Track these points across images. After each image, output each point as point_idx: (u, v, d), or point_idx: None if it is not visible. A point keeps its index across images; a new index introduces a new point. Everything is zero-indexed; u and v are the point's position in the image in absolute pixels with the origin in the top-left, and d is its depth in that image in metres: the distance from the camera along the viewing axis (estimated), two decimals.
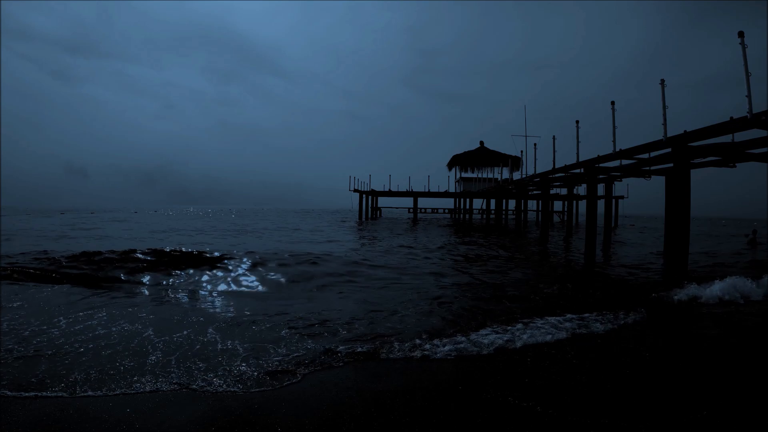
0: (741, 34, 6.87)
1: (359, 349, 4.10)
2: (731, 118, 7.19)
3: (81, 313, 5.31)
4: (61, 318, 5.07)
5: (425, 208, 47.32)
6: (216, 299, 6.53)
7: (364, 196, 36.65)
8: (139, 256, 9.44)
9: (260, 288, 7.57)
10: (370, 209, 39.50)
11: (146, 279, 7.96)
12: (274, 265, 9.17)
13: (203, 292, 7.02)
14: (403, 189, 35.97)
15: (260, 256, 10.08)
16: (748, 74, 6.68)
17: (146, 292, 6.96)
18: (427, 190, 36.05)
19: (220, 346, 4.15)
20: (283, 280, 8.10)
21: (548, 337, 4.53)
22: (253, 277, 8.19)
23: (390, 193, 36.42)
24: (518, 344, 4.33)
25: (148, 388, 3.21)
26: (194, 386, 3.25)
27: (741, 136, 8.54)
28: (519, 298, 6.67)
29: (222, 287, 7.49)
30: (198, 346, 4.15)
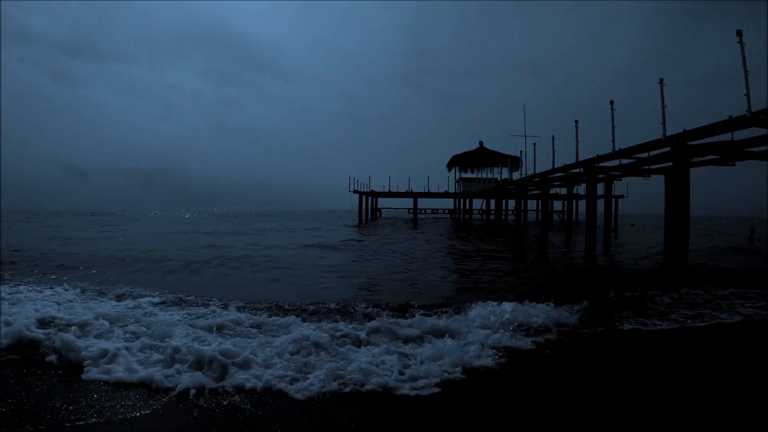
0: (739, 33, 6.88)
1: None
2: (730, 116, 7.19)
3: None
4: None
5: (425, 209, 47.37)
6: None
7: (363, 197, 36.63)
8: None
9: None
10: (370, 210, 39.49)
11: None
12: None
13: None
14: (402, 189, 35.95)
15: None
16: (746, 73, 6.68)
17: None
18: (426, 190, 36.02)
19: None
20: None
21: None
22: None
23: (390, 194, 36.39)
24: None
25: None
26: None
27: (740, 135, 8.55)
28: None
29: None
30: None
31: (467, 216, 37.52)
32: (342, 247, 15.00)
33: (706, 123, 7.87)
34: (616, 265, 11.13)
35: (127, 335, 4.16)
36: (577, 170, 13.96)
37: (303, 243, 16.18)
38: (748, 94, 6.68)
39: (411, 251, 13.36)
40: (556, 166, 14.51)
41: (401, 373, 3.40)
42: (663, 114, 8.70)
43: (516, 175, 26.53)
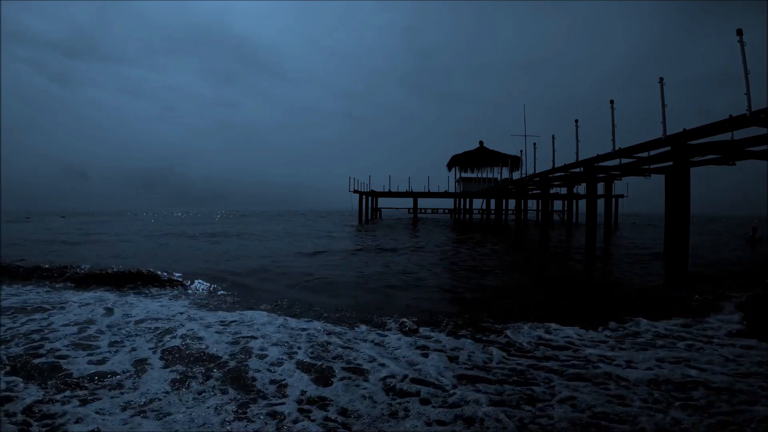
0: (739, 32, 6.86)
1: None
2: (730, 116, 7.18)
3: None
4: None
5: (425, 209, 47.37)
6: None
7: (364, 197, 36.60)
8: None
9: None
10: (370, 210, 39.46)
11: None
12: None
13: None
14: (402, 189, 35.95)
15: None
16: (746, 72, 6.67)
17: None
18: (427, 190, 36.01)
19: None
20: None
21: None
22: None
23: (390, 194, 36.36)
24: None
25: None
26: None
27: (740, 134, 8.54)
28: None
29: None
30: None
31: (467, 216, 37.49)
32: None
33: (699, 123, 7.87)
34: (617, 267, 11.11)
35: None
36: (577, 170, 13.93)
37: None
38: (748, 93, 6.67)
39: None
40: (556, 166, 14.49)
41: None
42: (663, 113, 8.68)
43: (516, 175, 26.54)
